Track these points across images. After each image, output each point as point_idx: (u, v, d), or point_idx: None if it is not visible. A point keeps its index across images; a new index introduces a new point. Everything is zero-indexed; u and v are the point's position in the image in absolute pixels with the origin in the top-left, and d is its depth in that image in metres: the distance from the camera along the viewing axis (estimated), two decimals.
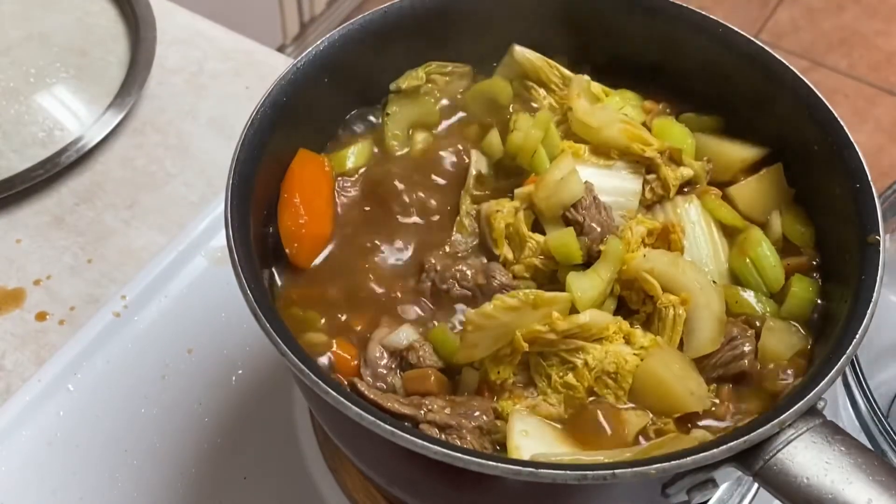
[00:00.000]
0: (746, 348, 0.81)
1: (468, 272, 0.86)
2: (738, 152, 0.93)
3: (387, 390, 0.81)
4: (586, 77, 0.96)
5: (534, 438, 0.77)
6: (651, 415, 0.80)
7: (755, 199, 0.91)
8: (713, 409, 0.80)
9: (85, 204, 1.28)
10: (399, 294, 0.87)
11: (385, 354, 0.82)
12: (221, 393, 1.09)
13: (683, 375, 0.79)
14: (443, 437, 0.77)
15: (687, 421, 0.79)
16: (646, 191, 0.91)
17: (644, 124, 0.95)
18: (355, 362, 0.83)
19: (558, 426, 0.79)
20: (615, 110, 0.94)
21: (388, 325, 0.85)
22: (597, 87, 0.97)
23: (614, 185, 0.90)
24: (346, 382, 0.81)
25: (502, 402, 0.80)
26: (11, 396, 1.08)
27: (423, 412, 0.78)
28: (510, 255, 0.87)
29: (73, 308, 1.18)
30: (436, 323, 0.85)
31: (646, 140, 0.91)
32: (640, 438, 0.79)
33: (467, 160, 0.95)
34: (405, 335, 0.83)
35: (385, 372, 0.82)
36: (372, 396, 0.79)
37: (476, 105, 0.99)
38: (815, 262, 0.88)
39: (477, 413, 0.79)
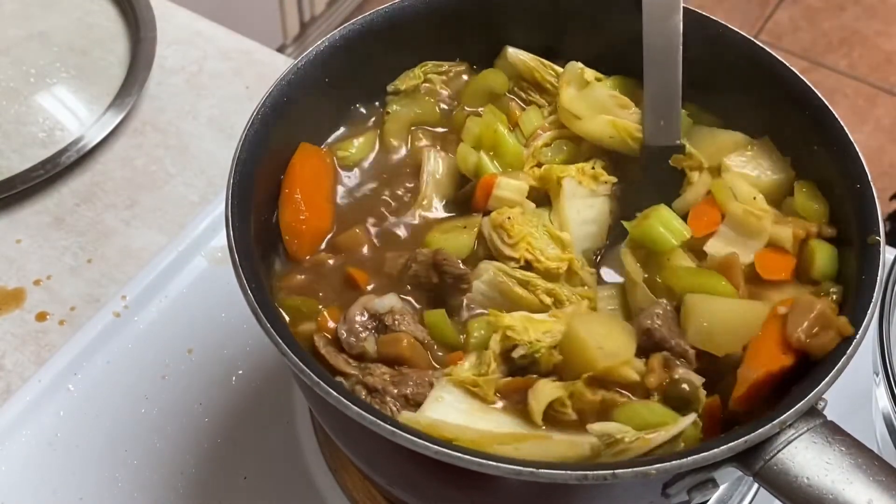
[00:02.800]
0: (657, 311, 0.80)
1: (421, 274, 0.85)
2: (729, 137, 0.93)
3: (357, 344, 0.81)
4: (579, 64, 0.96)
5: (447, 406, 0.76)
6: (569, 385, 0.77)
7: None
8: (645, 378, 0.77)
9: (85, 204, 1.28)
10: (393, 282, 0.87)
11: (365, 314, 0.83)
12: (221, 393, 1.09)
13: (601, 333, 0.78)
14: (367, 399, 0.77)
15: (607, 385, 0.77)
16: None
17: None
18: (336, 323, 0.84)
19: (486, 401, 0.78)
20: (605, 92, 0.94)
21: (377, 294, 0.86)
22: (590, 73, 0.96)
23: (594, 216, 0.91)
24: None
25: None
26: (11, 396, 1.08)
27: (362, 374, 0.79)
28: (529, 255, 0.86)
29: (74, 308, 1.18)
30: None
31: (632, 132, 0.92)
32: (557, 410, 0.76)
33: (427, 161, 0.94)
34: (389, 301, 0.84)
35: (360, 329, 0.82)
36: (323, 352, 0.80)
37: (474, 101, 0.99)
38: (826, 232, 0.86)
39: (411, 384, 0.79)
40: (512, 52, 0.98)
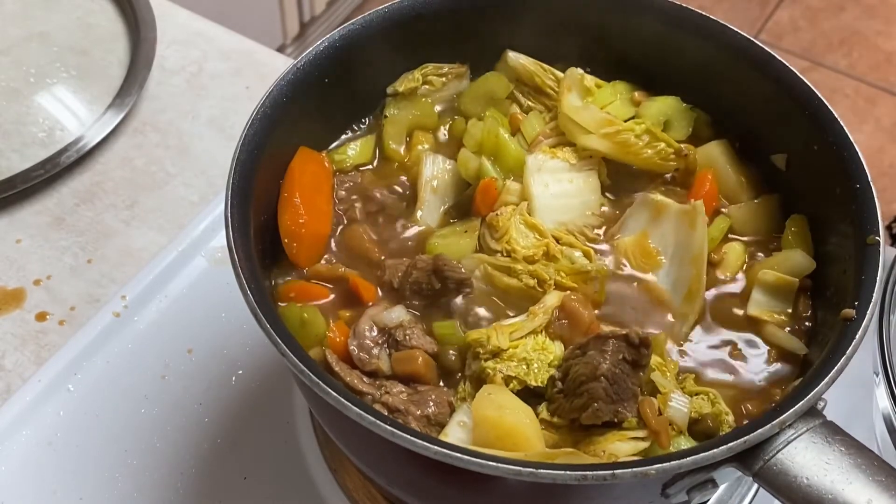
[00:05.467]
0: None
1: (422, 280, 0.85)
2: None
3: (370, 361, 0.82)
4: (579, 70, 0.96)
5: (468, 430, 0.77)
6: None
7: (749, 220, 0.92)
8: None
9: (85, 204, 1.28)
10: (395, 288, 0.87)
11: (374, 329, 0.83)
12: (221, 393, 1.09)
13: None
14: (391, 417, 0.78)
15: None
16: None
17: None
18: (344, 338, 0.84)
19: None
20: (599, 109, 0.94)
21: (384, 306, 0.85)
22: (590, 79, 0.96)
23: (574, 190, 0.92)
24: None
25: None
26: (11, 396, 1.08)
27: (379, 393, 0.79)
28: (508, 246, 0.88)
29: (73, 308, 1.18)
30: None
31: (630, 148, 0.92)
32: None
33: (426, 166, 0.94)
34: (397, 314, 0.84)
35: (371, 344, 0.83)
36: (337, 369, 0.80)
37: (475, 104, 0.99)
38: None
39: (431, 404, 0.79)
40: (512, 55, 0.98)
